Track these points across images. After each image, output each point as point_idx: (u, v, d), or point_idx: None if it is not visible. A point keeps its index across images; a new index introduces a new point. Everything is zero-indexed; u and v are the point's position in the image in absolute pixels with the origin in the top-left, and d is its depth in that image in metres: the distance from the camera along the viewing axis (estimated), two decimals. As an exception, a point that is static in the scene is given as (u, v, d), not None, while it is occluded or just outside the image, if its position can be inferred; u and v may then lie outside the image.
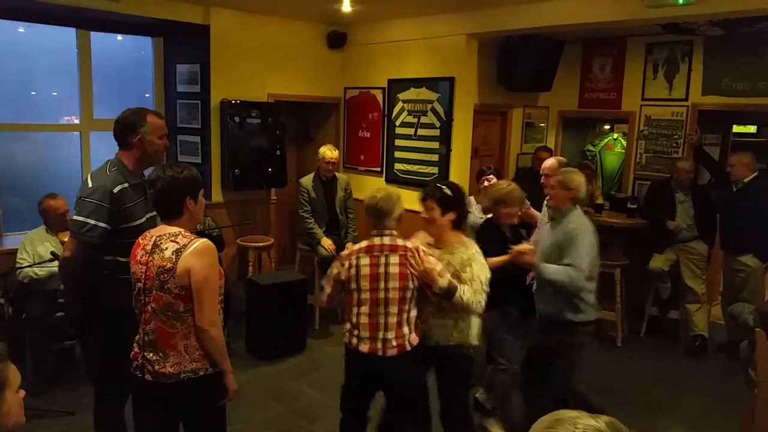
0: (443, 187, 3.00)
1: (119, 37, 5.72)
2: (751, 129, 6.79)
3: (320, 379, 4.53)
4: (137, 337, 2.43)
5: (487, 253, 3.05)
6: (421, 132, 5.80)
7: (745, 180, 4.95)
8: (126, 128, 2.82)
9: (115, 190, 2.72)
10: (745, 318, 3.79)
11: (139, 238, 2.44)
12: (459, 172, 5.53)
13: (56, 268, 4.11)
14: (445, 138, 5.56)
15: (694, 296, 5.24)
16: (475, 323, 3.04)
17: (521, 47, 5.95)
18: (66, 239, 2.96)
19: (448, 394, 3.10)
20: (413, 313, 2.84)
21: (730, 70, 5.51)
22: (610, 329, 5.44)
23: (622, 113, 6.34)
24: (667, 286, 5.41)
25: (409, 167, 5.95)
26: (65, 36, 5.20)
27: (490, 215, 3.67)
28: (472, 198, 4.43)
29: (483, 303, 2.86)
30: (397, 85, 6.00)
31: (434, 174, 5.68)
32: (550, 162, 4.11)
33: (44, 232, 4.33)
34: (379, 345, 2.76)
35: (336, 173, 5.48)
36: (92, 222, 2.67)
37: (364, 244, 2.83)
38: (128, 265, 2.44)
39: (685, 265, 5.27)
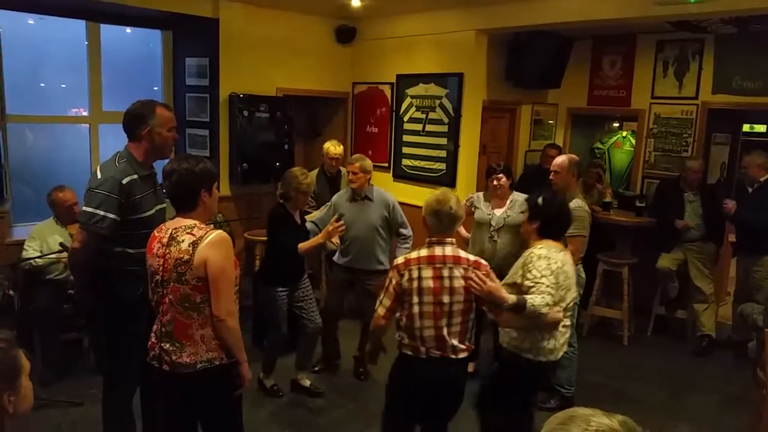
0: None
1: (128, 29, 5.73)
2: (761, 128, 6.75)
3: (325, 373, 4.54)
4: (155, 327, 2.45)
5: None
6: (429, 128, 5.79)
7: (761, 179, 4.90)
8: (135, 120, 2.82)
9: (124, 182, 2.72)
10: (754, 318, 3.77)
11: (155, 230, 2.45)
12: (467, 168, 5.52)
13: (64, 259, 4.16)
14: (454, 134, 5.55)
15: (702, 296, 5.21)
16: None
17: (530, 43, 5.92)
18: (75, 231, 2.97)
19: None
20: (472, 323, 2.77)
21: (741, 68, 5.46)
22: (617, 328, 5.42)
23: (631, 111, 6.30)
24: (675, 285, 5.38)
25: (416, 163, 5.94)
26: (75, 28, 5.21)
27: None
28: (480, 194, 4.41)
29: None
30: (405, 81, 5.98)
31: (442, 170, 5.66)
32: (560, 159, 4.07)
33: (54, 223, 4.35)
34: (449, 352, 2.67)
35: (341, 168, 5.46)
36: (101, 213, 2.67)
37: (424, 253, 2.65)
38: (137, 256, 2.43)
39: (693, 265, 5.23)
